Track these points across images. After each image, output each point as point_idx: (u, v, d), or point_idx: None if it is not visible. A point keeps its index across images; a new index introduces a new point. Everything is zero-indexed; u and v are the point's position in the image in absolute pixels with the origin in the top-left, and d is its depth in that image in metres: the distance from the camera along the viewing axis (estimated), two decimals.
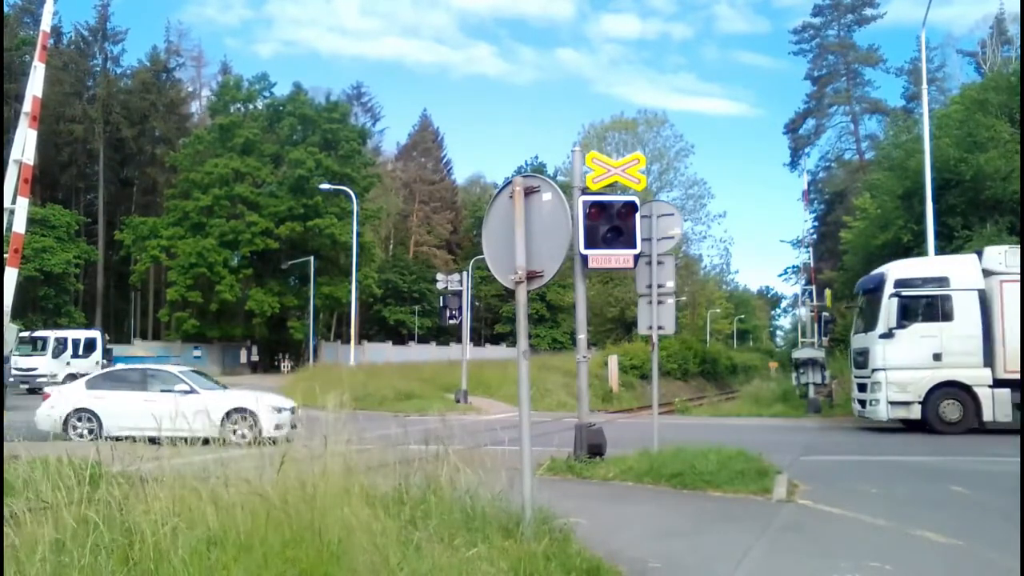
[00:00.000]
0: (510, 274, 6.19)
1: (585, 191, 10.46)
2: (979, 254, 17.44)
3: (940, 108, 34.51)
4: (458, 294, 26.56)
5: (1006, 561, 6.08)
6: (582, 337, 10.73)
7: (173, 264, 50.55)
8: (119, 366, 21.15)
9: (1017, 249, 16.86)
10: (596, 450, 10.42)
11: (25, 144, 21.85)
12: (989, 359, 16.34)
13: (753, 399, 31.13)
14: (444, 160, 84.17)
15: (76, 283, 50.13)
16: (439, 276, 29.48)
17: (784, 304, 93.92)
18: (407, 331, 67.79)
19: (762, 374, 48.12)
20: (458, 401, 24.85)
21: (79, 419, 14.49)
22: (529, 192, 6.25)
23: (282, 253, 53.18)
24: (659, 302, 11.26)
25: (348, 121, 58.89)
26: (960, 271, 17.07)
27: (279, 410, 14.29)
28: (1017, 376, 15.85)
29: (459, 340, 38.04)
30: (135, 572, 3.99)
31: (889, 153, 32.36)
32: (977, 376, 16.34)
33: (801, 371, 26.41)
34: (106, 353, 36.42)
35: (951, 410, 16.34)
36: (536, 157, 75.94)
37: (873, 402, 17.11)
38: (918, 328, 16.74)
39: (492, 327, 72.64)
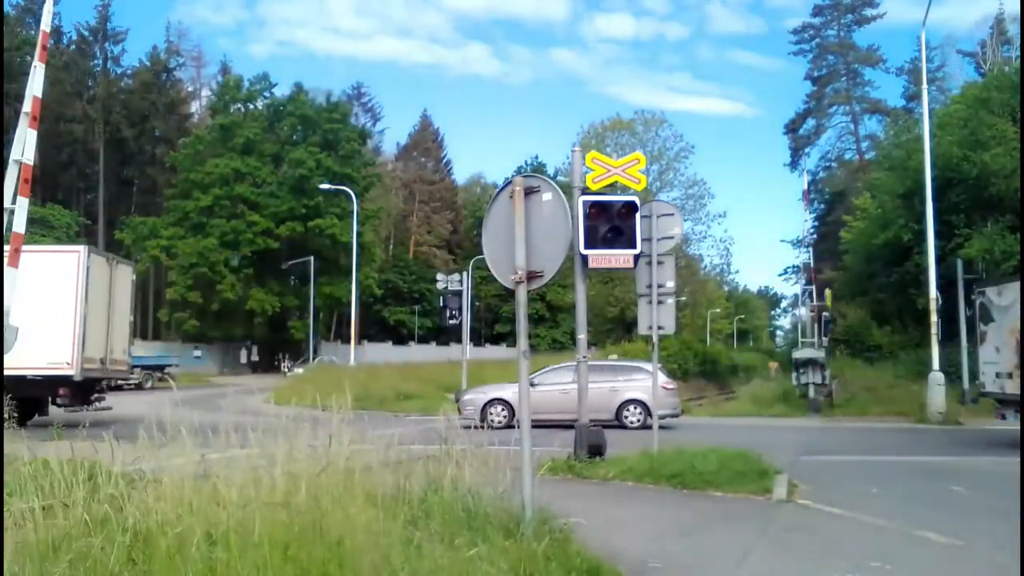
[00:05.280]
0: (510, 274, 6.18)
1: (585, 191, 10.46)
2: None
3: (940, 108, 34.49)
4: (458, 294, 26.57)
5: (1006, 561, 6.09)
6: (582, 337, 10.73)
7: (173, 264, 50.56)
8: None
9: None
10: (596, 450, 10.42)
11: (25, 144, 21.92)
12: None
13: (753, 399, 31.06)
14: (444, 160, 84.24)
15: None
16: (439, 276, 29.49)
17: (784, 304, 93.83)
18: (407, 331, 67.76)
19: (762, 374, 48.00)
20: (458, 401, 24.80)
21: None
22: (529, 192, 6.25)
23: (282, 253, 53.16)
24: (659, 302, 11.26)
25: (348, 121, 58.95)
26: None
27: None
28: None
29: (459, 340, 38.00)
30: (137, 572, 3.99)
31: (889, 153, 32.42)
32: None
33: (801, 371, 26.36)
34: None
35: None
36: (536, 157, 75.84)
37: None
38: None
39: (492, 327, 72.59)
